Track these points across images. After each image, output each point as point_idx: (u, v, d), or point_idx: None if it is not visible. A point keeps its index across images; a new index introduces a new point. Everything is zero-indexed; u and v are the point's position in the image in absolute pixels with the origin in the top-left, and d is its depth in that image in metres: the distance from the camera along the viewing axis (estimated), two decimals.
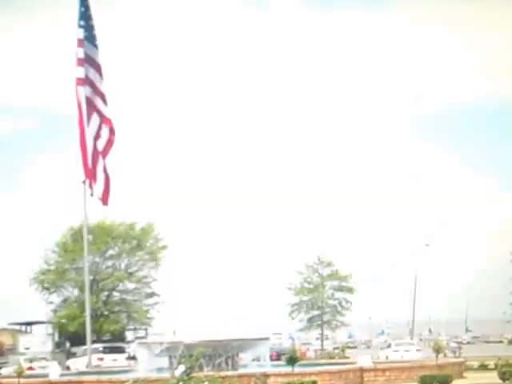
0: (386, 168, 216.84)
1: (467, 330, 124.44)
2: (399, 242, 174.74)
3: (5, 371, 44.83)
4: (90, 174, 39.99)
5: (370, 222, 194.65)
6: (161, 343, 32.64)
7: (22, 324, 73.99)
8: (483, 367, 37.70)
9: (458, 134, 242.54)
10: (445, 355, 45.95)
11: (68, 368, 45.90)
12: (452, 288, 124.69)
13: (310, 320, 69.49)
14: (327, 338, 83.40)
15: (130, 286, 68.89)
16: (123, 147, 43.81)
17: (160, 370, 30.90)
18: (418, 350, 52.49)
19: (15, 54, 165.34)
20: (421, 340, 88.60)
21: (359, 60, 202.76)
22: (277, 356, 40.02)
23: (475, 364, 38.49)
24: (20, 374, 29.33)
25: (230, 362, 31.09)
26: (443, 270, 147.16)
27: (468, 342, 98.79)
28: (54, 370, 32.26)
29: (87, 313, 42.08)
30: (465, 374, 33.91)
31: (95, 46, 40.82)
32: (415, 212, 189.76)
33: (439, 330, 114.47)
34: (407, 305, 77.62)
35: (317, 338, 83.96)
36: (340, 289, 68.57)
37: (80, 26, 40.52)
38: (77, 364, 46.39)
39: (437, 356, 33.46)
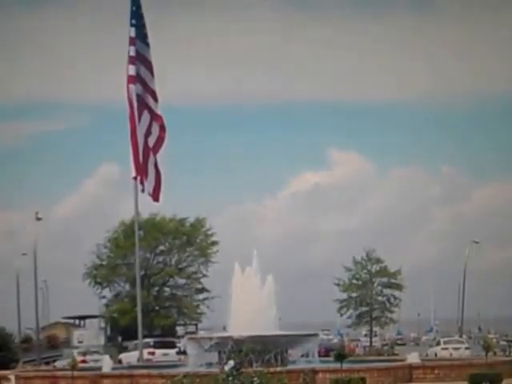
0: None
1: None
2: (447, 239, 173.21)
3: (59, 364, 45.44)
4: (141, 171, 40.23)
5: (418, 220, 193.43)
6: (210, 338, 32.70)
7: (75, 318, 74.96)
8: None
9: None
10: (495, 353, 45.23)
11: (120, 362, 46.28)
12: (501, 285, 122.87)
13: (359, 316, 69.08)
14: (376, 335, 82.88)
15: (181, 281, 69.22)
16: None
17: (210, 364, 30.93)
18: (467, 348, 51.78)
19: (67, 53, 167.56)
20: (470, 338, 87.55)
21: None
22: (325, 352, 39.84)
23: None
24: (74, 367, 29.60)
25: (278, 358, 30.95)
26: (492, 267, 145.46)
27: None
28: (106, 364, 32.48)
29: (138, 308, 42.33)
30: None
31: (146, 44, 41.07)
32: (463, 210, 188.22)
33: (488, 327, 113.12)
34: (456, 302, 76.71)
35: (365, 335, 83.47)
36: (389, 285, 68.07)
37: (132, 25, 40.81)
38: (128, 358, 46.77)
39: (486, 354, 32.93)
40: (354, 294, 68.01)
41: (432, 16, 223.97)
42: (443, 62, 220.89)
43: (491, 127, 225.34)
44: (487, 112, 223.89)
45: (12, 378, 18.16)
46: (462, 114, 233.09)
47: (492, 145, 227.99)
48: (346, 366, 29.04)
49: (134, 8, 40.96)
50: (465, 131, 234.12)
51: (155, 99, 40.90)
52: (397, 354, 46.82)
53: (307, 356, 32.39)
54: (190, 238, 68.09)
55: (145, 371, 30.86)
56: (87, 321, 73.01)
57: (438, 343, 55.26)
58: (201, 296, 68.88)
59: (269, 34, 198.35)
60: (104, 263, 67.69)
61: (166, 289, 69.35)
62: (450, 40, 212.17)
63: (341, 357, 29.16)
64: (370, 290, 67.42)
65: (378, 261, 67.61)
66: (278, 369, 27.98)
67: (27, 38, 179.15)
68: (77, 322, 74.96)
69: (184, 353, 41.38)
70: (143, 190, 40.71)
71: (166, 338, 56.78)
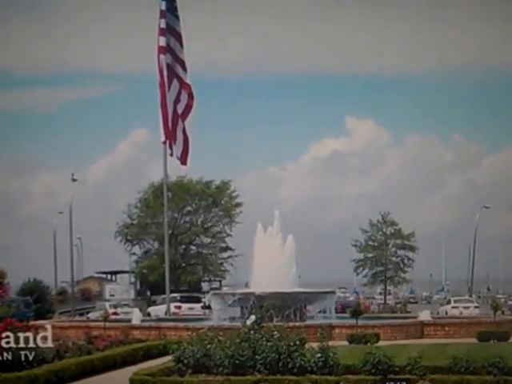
0: None
1: None
2: (459, 204, 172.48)
3: (92, 315, 45.92)
4: (170, 136, 40.25)
5: (431, 185, 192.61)
6: (233, 294, 32.91)
7: (107, 273, 75.57)
8: None
9: None
10: (502, 313, 45.25)
11: (148, 314, 46.64)
12: (510, 248, 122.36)
13: (374, 276, 69.27)
14: (390, 293, 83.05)
15: (206, 240, 69.55)
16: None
17: (232, 319, 31.17)
18: (476, 307, 51.70)
19: (105, 26, 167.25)
20: (479, 297, 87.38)
21: None
22: (342, 309, 39.99)
23: None
24: (105, 319, 29.96)
25: (297, 314, 31.17)
26: (501, 231, 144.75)
27: None
28: (136, 316, 32.83)
29: (166, 264, 42.62)
30: None
31: (176, 16, 40.86)
32: (474, 176, 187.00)
33: (497, 288, 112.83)
34: (466, 263, 76.60)
35: (380, 293, 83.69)
36: (402, 247, 68.10)
37: None
38: (156, 311, 47.10)
39: (494, 313, 32.96)
40: (369, 255, 68.14)
41: None
42: (455, 35, 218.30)
43: (502, 96, 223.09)
44: (498, 81, 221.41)
45: (48, 327, 18.37)
46: (473, 84, 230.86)
47: (502, 113, 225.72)
48: (361, 322, 29.19)
49: None
50: (476, 100, 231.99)
51: (184, 69, 40.79)
52: (409, 312, 46.89)
53: (325, 312, 32.59)
54: (216, 200, 68.26)
55: (171, 324, 31.19)
56: (118, 276, 73.57)
57: (449, 302, 55.19)
58: (225, 254, 69.23)
59: (292, 10, 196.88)
60: (134, 222, 68.09)
61: (193, 247, 69.73)
62: (461, 14, 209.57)
63: (356, 313, 29.29)
64: (384, 251, 67.50)
65: (393, 223, 67.62)
66: (297, 324, 28.18)
67: (70, 12, 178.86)
68: (109, 276, 75.56)
69: (208, 307, 41.72)
70: (172, 154, 40.77)
71: (191, 293, 57.09)
